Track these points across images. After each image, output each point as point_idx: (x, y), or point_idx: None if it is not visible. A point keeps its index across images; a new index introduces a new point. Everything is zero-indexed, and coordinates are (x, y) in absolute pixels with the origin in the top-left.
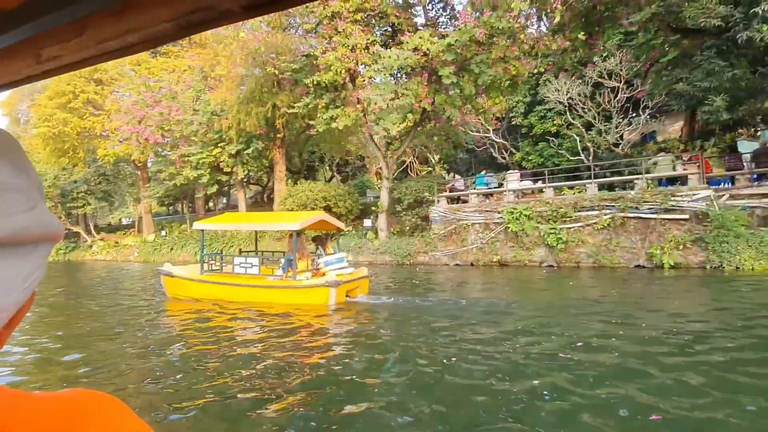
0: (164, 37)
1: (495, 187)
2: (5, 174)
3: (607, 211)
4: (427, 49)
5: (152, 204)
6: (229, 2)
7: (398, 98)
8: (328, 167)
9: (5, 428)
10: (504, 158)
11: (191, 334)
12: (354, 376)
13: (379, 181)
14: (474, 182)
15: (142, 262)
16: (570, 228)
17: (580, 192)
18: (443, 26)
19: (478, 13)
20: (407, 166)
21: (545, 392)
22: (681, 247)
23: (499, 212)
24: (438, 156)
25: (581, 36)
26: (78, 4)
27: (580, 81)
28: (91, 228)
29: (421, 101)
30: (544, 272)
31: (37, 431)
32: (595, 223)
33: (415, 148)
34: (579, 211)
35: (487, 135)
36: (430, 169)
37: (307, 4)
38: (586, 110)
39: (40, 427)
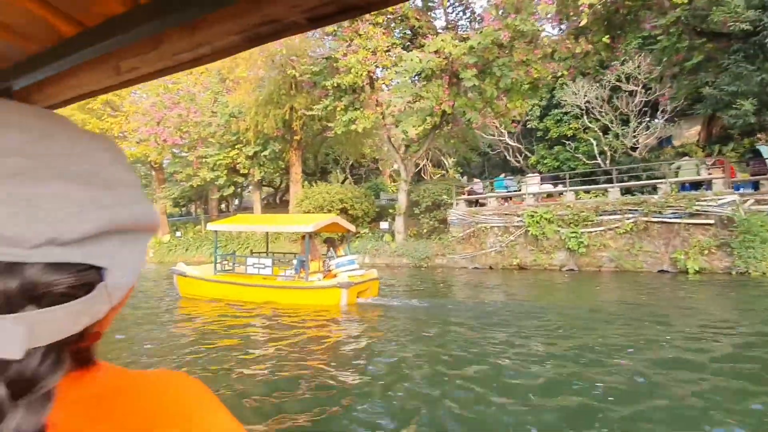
0: (233, 48)
1: (514, 191)
2: (122, 172)
3: (630, 216)
4: (449, 52)
5: (167, 205)
6: (295, 15)
7: (418, 101)
8: (341, 170)
9: (113, 394)
10: (518, 161)
11: (203, 333)
12: (369, 377)
13: (393, 183)
14: (492, 185)
15: (157, 262)
16: (591, 232)
17: (597, 196)
18: (463, 29)
19: (501, 16)
20: (421, 169)
21: (597, 399)
22: (706, 252)
23: (518, 215)
24: (452, 159)
25: (605, 39)
26: (156, 21)
27: (597, 84)
28: None
29: (441, 104)
30: (565, 276)
31: (135, 403)
32: (617, 227)
33: (429, 152)
34: (601, 215)
35: (501, 138)
36: (443, 172)
37: None
38: (603, 114)
39: (139, 399)
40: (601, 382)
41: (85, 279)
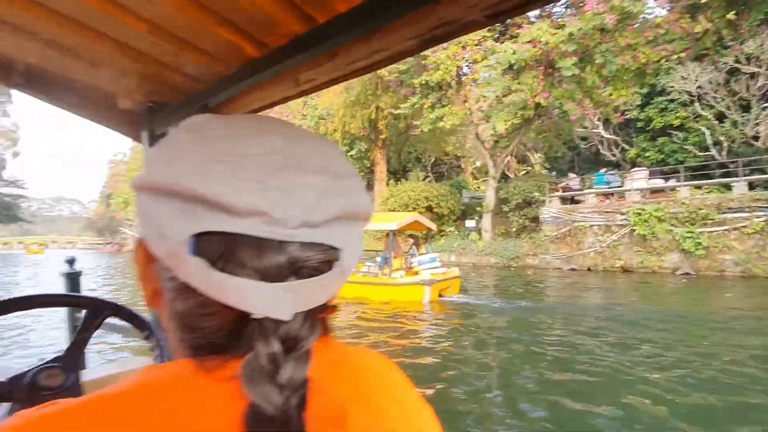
0: (408, 52)
1: (617, 186)
2: (347, 165)
3: (761, 214)
4: (546, 41)
5: None
6: (473, 14)
7: (510, 94)
8: (422, 167)
9: (344, 360)
10: (614, 155)
11: None
12: (449, 374)
13: (475, 181)
14: (591, 181)
15: None
16: (712, 232)
17: (710, 192)
18: (558, 16)
19: None
20: (505, 165)
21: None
22: None
23: (622, 213)
24: (538, 154)
25: (730, 16)
26: (334, 39)
27: (711, 67)
28: None
29: (535, 96)
30: (683, 280)
31: (359, 369)
32: (744, 226)
33: (514, 147)
34: (724, 213)
35: (595, 130)
36: (528, 168)
37: None
38: (718, 100)
39: (360, 366)
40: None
41: (328, 257)
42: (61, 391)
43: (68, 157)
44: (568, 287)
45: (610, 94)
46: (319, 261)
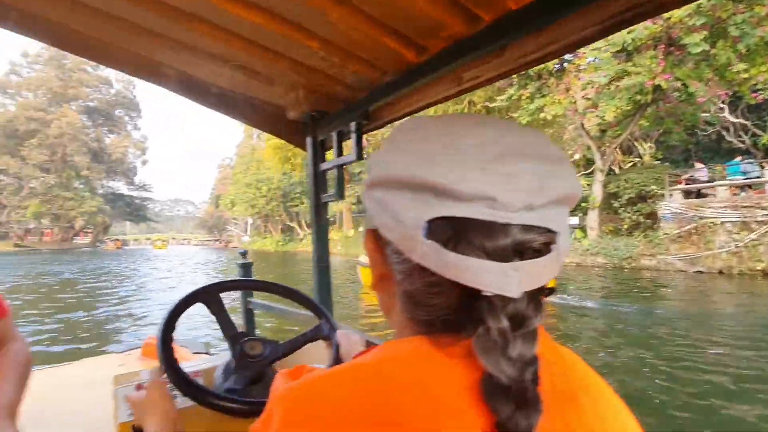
0: (585, 40)
1: (756, 177)
2: (559, 151)
3: None
4: (668, 16)
5: (351, 202)
6: None
7: (623, 78)
8: None
9: (558, 347)
10: (742, 142)
11: (381, 321)
12: None
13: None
14: (724, 171)
15: (343, 255)
16: None
17: None
18: None
19: None
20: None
21: None
22: None
23: (765, 208)
24: (648, 144)
25: None
26: (503, 38)
27: None
28: (303, 224)
29: (654, 78)
30: None
31: (571, 359)
32: None
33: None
34: None
35: (719, 114)
36: (636, 159)
37: None
38: None
39: (567, 357)
40: None
41: (547, 240)
42: (263, 358)
43: (193, 150)
44: (690, 291)
45: (738, 72)
46: (541, 243)
